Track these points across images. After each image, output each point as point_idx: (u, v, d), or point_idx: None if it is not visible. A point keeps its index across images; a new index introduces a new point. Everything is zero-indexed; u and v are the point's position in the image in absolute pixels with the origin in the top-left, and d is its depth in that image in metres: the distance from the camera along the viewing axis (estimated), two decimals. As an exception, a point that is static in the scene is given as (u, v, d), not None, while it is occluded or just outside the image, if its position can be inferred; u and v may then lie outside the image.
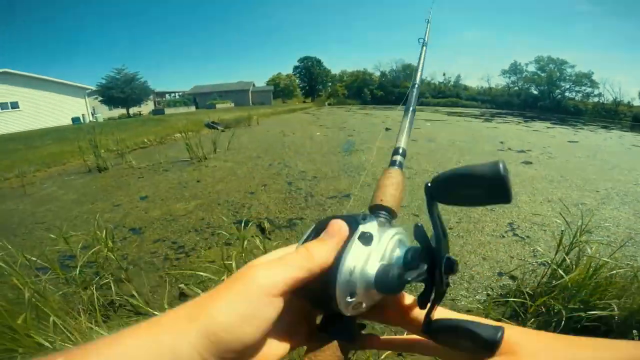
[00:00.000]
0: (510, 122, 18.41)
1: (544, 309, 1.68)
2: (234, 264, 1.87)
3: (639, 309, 1.43)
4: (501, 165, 0.23)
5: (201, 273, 2.01)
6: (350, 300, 0.27)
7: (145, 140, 9.45)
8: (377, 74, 58.46)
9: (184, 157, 6.66)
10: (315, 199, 4.02)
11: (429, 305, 0.28)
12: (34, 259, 2.05)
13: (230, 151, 7.28)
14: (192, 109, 36.40)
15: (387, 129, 11.98)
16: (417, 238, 0.29)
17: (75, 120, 25.68)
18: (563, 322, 1.53)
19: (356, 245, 0.28)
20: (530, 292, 1.98)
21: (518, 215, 3.60)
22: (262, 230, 3.14)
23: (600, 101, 40.97)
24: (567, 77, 43.15)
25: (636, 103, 39.09)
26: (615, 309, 1.46)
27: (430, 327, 0.28)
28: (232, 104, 39.62)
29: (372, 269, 0.27)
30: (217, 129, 12.36)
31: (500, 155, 7.19)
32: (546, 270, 2.02)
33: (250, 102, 43.47)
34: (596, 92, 41.72)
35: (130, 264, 2.63)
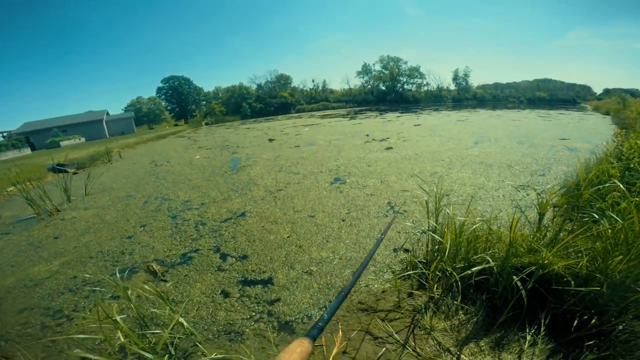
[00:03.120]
0: (370, 117, 21.41)
1: (439, 274, 1.95)
2: (118, 319, 1.52)
3: (507, 256, 1.75)
4: None
5: (94, 336, 1.62)
6: None
7: None
8: (254, 87, 58.58)
9: (27, 214, 5.10)
10: (208, 226, 3.67)
11: None
12: None
13: (90, 196, 5.96)
14: (27, 151, 28.63)
15: (270, 140, 12.15)
16: None
17: None
18: (459, 282, 1.77)
19: None
20: (424, 260, 2.29)
21: (392, 194, 4.16)
22: (154, 273, 2.68)
23: (429, 89, 52.57)
24: (403, 72, 52.96)
25: (452, 87, 51.84)
26: (490, 260, 1.75)
27: None
28: (83, 139, 33.09)
29: None
30: (67, 172, 9.98)
31: (367, 146, 8.24)
32: (426, 237, 2.37)
33: (107, 134, 37.14)
34: (425, 82, 53.30)
35: None
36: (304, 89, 61.12)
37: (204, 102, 61.62)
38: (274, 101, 51.68)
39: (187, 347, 1.78)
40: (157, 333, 1.84)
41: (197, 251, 3.06)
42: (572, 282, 1.56)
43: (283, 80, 58.34)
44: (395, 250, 2.69)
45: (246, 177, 5.94)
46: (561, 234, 1.91)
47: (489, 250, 1.89)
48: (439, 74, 79.45)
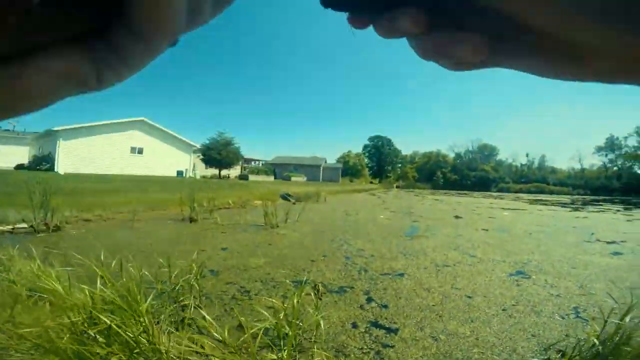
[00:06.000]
0: (607, 211, 16.03)
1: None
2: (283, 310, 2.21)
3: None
4: None
5: (261, 310, 2.44)
6: None
7: (230, 202, 11.10)
8: (452, 155, 57.06)
9: (260, 222, 7.64)
10: (369, 274, 4.20)
11: None
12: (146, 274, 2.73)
13: (298, 223, 8.04)
14: (271, 178, 40.41)
15: (456, 217, 11.61)
16: None
17: (179, 173, 30.44)
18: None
19: None
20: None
21: (588, 302, 3.16)
22: (317, 291, 3.43)
23: None
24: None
25: None
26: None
27: None
28: (305, 178, 43.06)
29: None
30: (290, 201, 13.68)
31: (584, 247, 6.39)
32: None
33: (321, 178, 46.59)
34: None
35: (204, 295, 3.15)
36: (513, 163, 53.31)
37: (400, 165, 65.74)
38: (472, 174, 48.07)
39: (309, 345, 2.27)
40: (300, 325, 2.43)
41: (352, 288, 3.63)
42: None
43: (487, 151, 53.38)
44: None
45: (418, 246, 6.16)
46: None
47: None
48: None
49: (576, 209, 17.24)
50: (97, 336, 1.27)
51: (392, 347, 2.40)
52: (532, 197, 31.03)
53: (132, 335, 1.31)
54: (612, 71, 0.19)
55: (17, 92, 0.14)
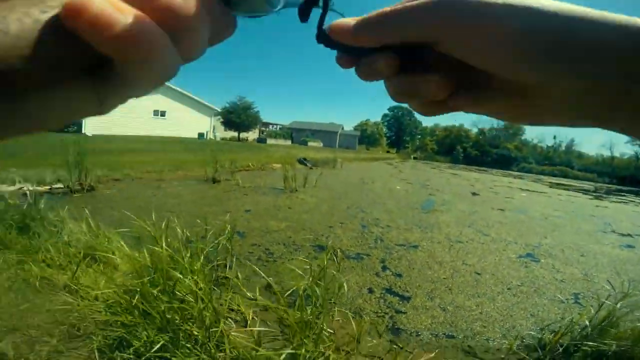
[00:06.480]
0: (629, 203, 15.50)
1: None
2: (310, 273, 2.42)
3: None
4: None
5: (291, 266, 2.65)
6: None
7: (250, 164, 11.41)
8: (475, 130, 55.01)
9: (279, 186, 7.88)
10: (384, 243, 4.40)
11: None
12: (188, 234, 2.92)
13: (316, 188, 8.23)
14: (288, 142, 40.45)
15: (473, 194, 11.51)
16: None
17: (200, 135, 31.15)
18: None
19: None
20: None
21: (590, 288, 3.30)
22: (335, 256, 3.65)
23: None
24: None
25: None
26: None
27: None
28: (321, 144, 42.83)
29: None
30: (307, 166, 13.84)
31: (598, 236, 6.36)
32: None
33: (337, 145, 46.23)
34: None
35: (233, 256, 3.32)
36: (538, 144, 51.06)
37: (419, 137, 64.18)
38: (494, 151, 46.53)
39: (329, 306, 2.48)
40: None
41: (369, 256, 3.86)
42: None
43: (512, 130, 51.01)
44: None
45: (433, 220, 6.28)
46: None
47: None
48: None
49: (598, 197, 16.72)
50: (160, 295, 1.47)
51: (405, 313, 2.62)
52: (554, 180, 29.94)
53: (187, 292, 1.52)
54: (557, 112, 0.22)
55: (28, 120, 0.15)
